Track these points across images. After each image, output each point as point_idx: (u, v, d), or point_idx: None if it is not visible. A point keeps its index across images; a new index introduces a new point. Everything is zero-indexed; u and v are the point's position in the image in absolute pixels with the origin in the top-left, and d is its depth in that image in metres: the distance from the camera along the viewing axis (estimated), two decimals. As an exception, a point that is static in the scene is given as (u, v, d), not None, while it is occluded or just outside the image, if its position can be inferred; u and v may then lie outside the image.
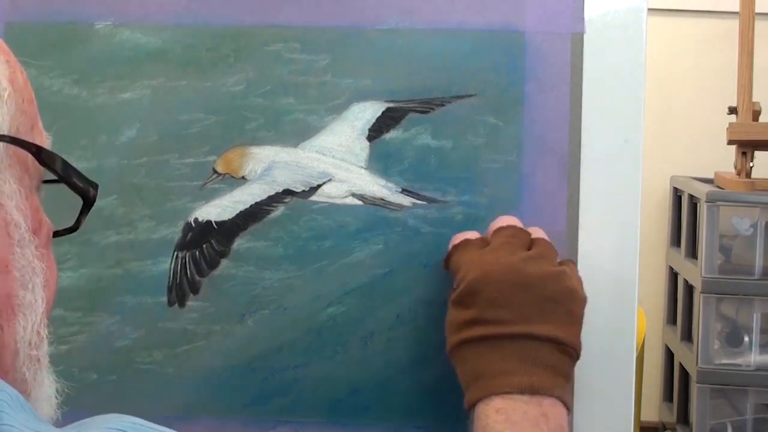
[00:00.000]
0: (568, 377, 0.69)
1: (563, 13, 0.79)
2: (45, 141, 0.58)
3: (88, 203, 0.57)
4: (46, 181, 0.57)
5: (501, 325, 0.68)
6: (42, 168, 0.55)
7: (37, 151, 0.54)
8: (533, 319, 0.67)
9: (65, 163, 0.56)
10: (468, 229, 0.78)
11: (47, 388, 0.57)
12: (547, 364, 0.67)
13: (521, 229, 0.73)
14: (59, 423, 0.57)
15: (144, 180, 0.80)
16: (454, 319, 0.70)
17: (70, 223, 0.58)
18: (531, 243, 0.72)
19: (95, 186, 0.57)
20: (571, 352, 0.69)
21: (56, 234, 0.59)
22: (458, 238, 0.74)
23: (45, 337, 0.57)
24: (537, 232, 0.74)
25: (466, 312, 0.69)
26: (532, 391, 0.66)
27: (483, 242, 0.73)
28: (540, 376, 0.66)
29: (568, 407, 0.68)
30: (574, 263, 0.74)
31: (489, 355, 0.68)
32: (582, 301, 0.71)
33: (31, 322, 0.54)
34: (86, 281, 0.80)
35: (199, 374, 0.80)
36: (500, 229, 0.73)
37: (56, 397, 0.58)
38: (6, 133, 0.52)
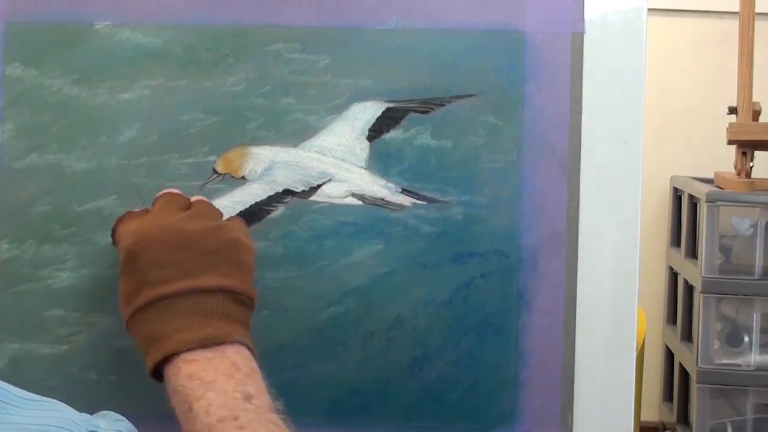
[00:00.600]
0: (245, 324, 0.69)
1: (563, 13, 0.79)
2: None
3: None
4: None
5: (166, 284, 0.67)
6: None
7: None
8: (198, 273, 0.67)
9: None
10: (468, 230, 0.78)
11: None
12: (220, 313, 0.67)
13: (178, 194, 0.74)
14: None
15: (144, 180, 0.80)
16: (123, 290, 0.69)
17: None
18: (190, 205, 0.73)
19: None
20: (244, 300, 0.69)
21: None
22: (120, 214, 0.74)
23: None
24: (197, 198, 0.75)
25: (131, 279, 0.69)
26: (210, 341, 0.65)
27: (144, 212, 0.73)
28: (216, 326, 0.66)
29: (253, 351, 0.67)
30: (241, 220, 0.75)
31: (161, 316, 0.67)
32: (248, 249, 0.71)
33: None
34: (86, 281, 0.80)
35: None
36: (158, 198, 0.74)
37: None
38: None
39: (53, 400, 0.52)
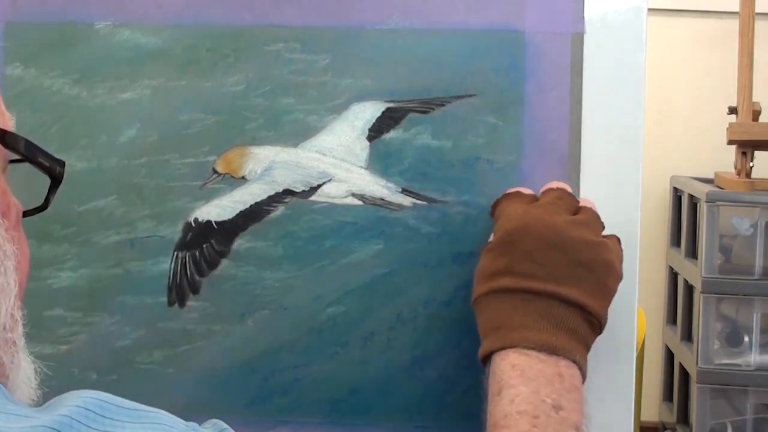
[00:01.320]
0: (587, 346, 0.68)
1: (563, 13, 0.78)
2: (9, 123, 0.58)
3: (55, 181, 0.58)
4: (12, 161, 0.57)
5: (531, 280, 0.67)
6: (7, 150, 0.55)
7: (1, 135, 0.54)
8: (563, 281, 0.67)
9: (29, 144, 0.56)
10: (468, 230, 0.78)
11: (24, 369, 0.57)
12: (569, 327, 0.67)
13: (570, 194, 0.73)
14: (39, 404, 0.57)
15: (144, 180, 0.80)
16: (486, 266, 0.70)
17: (40, 203, 0.58)
18: (578, 210, 0.72)
19: (62, 163, 0.57)
20: (594, 322, 0.68)
21: (26, 213, 0.59)
22: (512, 189, 0.74)
23: (19, 319, 0.56)
24: (586, 202, 0.73)
25: (499, 261, 0.69)
26: (550, 350, 0.65)
27: (533, 198, 0.73)
28: (560, 337, 0.66)
29: (584, 374, 0.67)
30: (618, 240, 0.73)
31: (513, 307, 0.67)
32: (617, 275, 0.70)
33: (5, 306, 0.54)
34: (86, 281, 0.80)
35: (199, 374, 0.80)
36: (550, 190, 0.73)
37: (35, 378, 0.58)
38: None
39: (157, 411, 0.52)
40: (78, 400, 0.48)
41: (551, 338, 0.66)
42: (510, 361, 0.66)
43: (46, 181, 0.57)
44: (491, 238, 0.72)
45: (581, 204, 0.73)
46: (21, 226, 0.58)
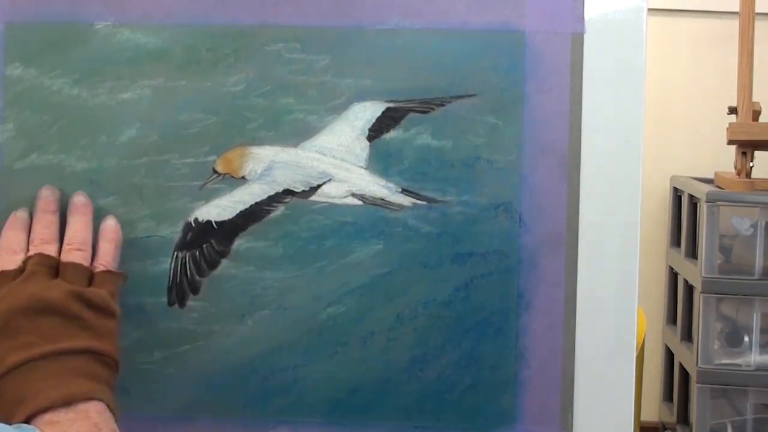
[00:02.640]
0: (110, 385, 0.71)
1: (563, 13, 0.79)
2: None
3: None
4: None
5: (33, 347, 0.69)
6: None
7: None
8: (63, 338, 0.69)
9: None
10: (468, 230, 0.78)
11: None
12: (85, 372, 0.69)
13: (47, 255, 0.74)
14: None
15: (144, 180, 0.80)
16: None
17: None
18: (58, 266, 0.73)
19: None
20: (109, 362, 0.71)
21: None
22: None
23: None
24: (69, 251, 0.74)
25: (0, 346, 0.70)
26: (74, 398, 0.67)
27: (17, 273, 0.73)
28: (80, 384, 0.68)
29: (114, 413, 0.69)
30: (113, 278, 0.75)
31: (27, 379, 0.68)
32: (113, 313, 0.73)
33: None
34: (86, 281, 0.80)
35: (199, 374, 0.80)
36: (28, 258, 0.74)
37: None
38: None
39: None
40: None
41: (72, 387, 0.67)
42: None
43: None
44: None
45: (62, 260, 0.74)
46: None
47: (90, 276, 0.74)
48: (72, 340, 0.69)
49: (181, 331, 0.80)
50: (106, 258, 0.76)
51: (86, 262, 0.75)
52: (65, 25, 0.81)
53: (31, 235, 0.76)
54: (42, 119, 0.80)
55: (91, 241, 0.76)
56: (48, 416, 0.66)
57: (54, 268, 0.74)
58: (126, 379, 0.80)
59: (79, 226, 0.76)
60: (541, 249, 0.78)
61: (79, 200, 0.78)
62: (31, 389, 0.67)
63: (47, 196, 0.78)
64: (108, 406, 0.69)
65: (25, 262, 0.74)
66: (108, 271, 0.75)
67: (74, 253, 0.75)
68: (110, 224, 0.78)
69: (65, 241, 0.75)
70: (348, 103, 0.80)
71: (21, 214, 0.77)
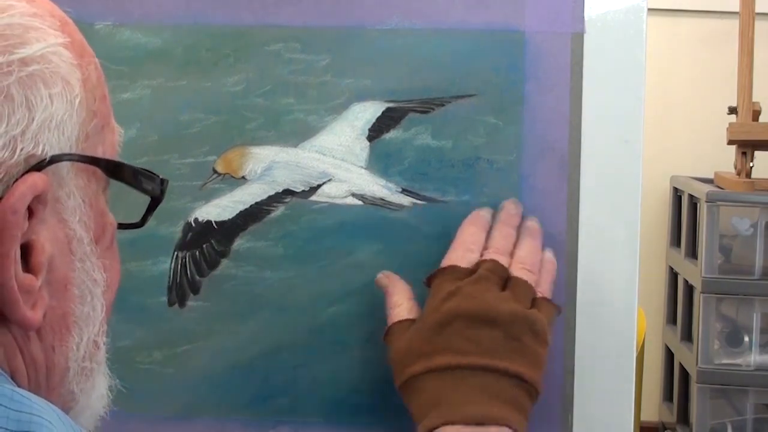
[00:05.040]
0: (526, 415, 0.70)
1: (563, 13, 0.78)
2: (116, 139, 0.57)
3: (155, 201, 0.57)
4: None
5: (468, 356, 0.69)
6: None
7: (104, 165, 0.53)
8: (498, 355, 0.69)
9: (131, 170, 0.55)
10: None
11: (98, 389, 0.57)
12: (508, 397, 0.68)
13: (502, 265, 0.73)
14: (105, 422, 0.56)
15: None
16: (418, 346, 0.70)
17: (136, 218, 0.58)
18: (508, 279, 0.73)
19: (165, 182, 0.57)
20: (532, 391, 0.70)
21: (120, 226, 0.58)
22: (447, 261, 0.74)
23: (102, 345, 0.56)
24: (518, 269, 0.73)
25: (434, 340, 0.70)
26: (489, 421, 0.66)
27: (467, 273, 0.72)
28: (501, 408, 0.67)
29: None
30: (549, 301, 0.74)
31: (454, 384, 0.68)
32: (545, 343, 0.71)
33: (87, 335, 0.53)
34: (86, 281, 0.80)
35: (199, 374, 0.80)
36: (483, 261, 0.73)
37: (108, 396, 0.58)
38: (74, 142, 0.51)
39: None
40: None
41: (492, 409, 0.67)
42: None
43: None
44: (420, 316, 0.72)
45: (513, 274, 0.73)
46: (115, 242, 0.58)
47: (533, 300, 0.73)
48: (507, 360, 0.69)
49: (181, 331, 0.80)
50: (546, 287, 0.75)
51: (534, 284, 0.73)
52: (65, 25, 0.81)
53: (489, 241, 0.75)
54: (42, 119, 0.80)
55: (538, 266, 0.75)
56: (455, 428, 0.66)
57: (503, 279, 0.73)
58: (126, 379, 0.80)
59: (532, 249, 0.75)
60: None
61: (534, 225, 0.77)
62: (453, 397, 0.68)
63: (512, 210, 0.77)
64: None
65: (477, 264, 0.73)
66: (548, 300, 0.74)
67: (526, 272, 0.73)
68: (550, 258, 0.76)
69: (517, 259, 0.74)
70: (348, 103, 0.80)
71: (485, 214, 0.77)
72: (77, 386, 0.54)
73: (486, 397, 0.67)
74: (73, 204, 0.51)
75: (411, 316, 0.73)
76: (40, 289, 0.49)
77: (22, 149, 0.47)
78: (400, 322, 0.73)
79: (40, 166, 0.48)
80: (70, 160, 0.51)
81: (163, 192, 0.57)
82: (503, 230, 0.75)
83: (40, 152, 0.48)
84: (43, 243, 0.49)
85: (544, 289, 0.74)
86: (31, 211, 0.48)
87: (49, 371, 0.51)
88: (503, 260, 0.73)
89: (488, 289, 0.71)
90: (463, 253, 0.74)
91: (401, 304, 0.74)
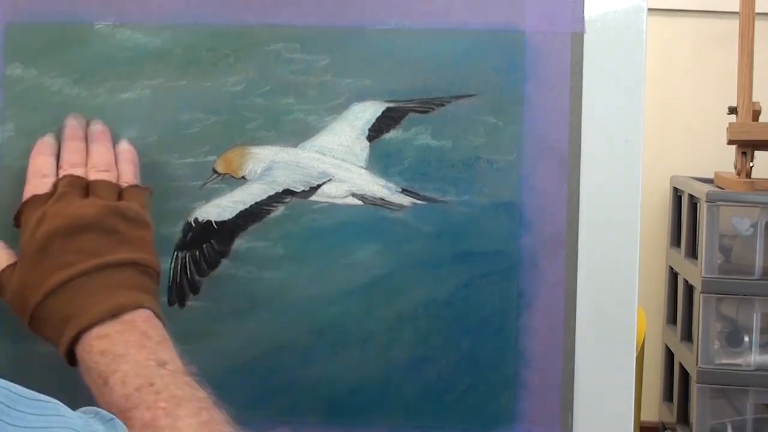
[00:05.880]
0: (154, 294, 0.72)
1: (563, 13, 0.79)
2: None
3: None
4: None
5: (75, 264, 0.69)
6: None
7: None
8: (103, 252, 0.70)
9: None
10: (468, 230, 0.78)
11: None
12: (130, 284, 0.69)
13: (78, 176, 0.75)
14: None
15: (144, 180, 0.80)
16: (26, 278, 0.71)
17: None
18: (89, 184, 0.75)
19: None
20: (150, 272, 0.72)
21: None
22: (26, 194, 0.75)
23: None
24: (96, 175, 0.75)
25: (39, 267, 0.70)
26: (121, 309, 0.67)
27: (48, 196, 0.74)
28: (125, 295, 0.68)
29: (162, 319, 0.70)
30: (141, 192, 0.76)
31: (73, 296, 0.68)
32: (147, 225, 0.74)
33: None
34: (86, 281, 0.80)
35: (199, 374, 0.80)
36: (59, 180, 0.75)
37: None
38: None
39: (54, 402, 0.52)
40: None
41: (119, 300, 0.68)
42: (96, 349, 0.66)
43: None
44: (20, 255, 0.73)
45: (90, 178, 0.75)
46: None
47: (119, 193, 0.75)
48: (112, 253, 0.70)
49: (180, 331, 0.80)
50: (129, 176, 0.77)
51: (114, 180, 0.76)
52: (65, 25, 0.81)
53: (60, 161, 0.77)
54: (42, 119, 0.80)
55: (114, 163, 0.77)
56: (96, 330, 0.67)
57: (84, 188, 0.75)
58: (126, 379, 0.80)
59: (101, 151, 0.77)
60: (542, 249, 0.78)
61: (98, 128, 0.79)
62: (78, 306, 0.68)
63: (73, 124, 0.78)
64: (154, 312, 0.69)
65: (55, 184, 0.75)
66: (135, 186, 0.76)
67: (101, 173, 0.76)
68: (126, 147, 0.79)
69: (90, 165, 0.76)
70: (348, 103, 0.80)
71: (48, 140, 0.78)
72: None
73: (107, 293, 0.68)
74: None
75: (11, 261, 0.73)
76: None
77: None
78: (3, 270, 0.73)
79: None
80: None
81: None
82: (70, 146, 0.77)
83: None
84: None
85: (127, 178, 0.76)
86: None
87: None
88: (79, 172, 0.75)
89: (71, 201, 0.73)
90: (38, 181, 0.75)
91: None
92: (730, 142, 2.07)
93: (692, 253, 2.17)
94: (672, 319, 2.36)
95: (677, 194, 2.35)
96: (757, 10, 2.07)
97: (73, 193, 0.74)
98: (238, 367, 0.80)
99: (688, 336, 2.22)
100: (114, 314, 0.67)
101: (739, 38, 2.07)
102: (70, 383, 0.80)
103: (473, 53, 0.79)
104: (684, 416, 2.23)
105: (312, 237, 0.80)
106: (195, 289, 0.80)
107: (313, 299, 0.79)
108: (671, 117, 2.46)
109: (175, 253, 0.80)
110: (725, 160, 2.16)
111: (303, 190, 0.80)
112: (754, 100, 2.05)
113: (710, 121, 2.29)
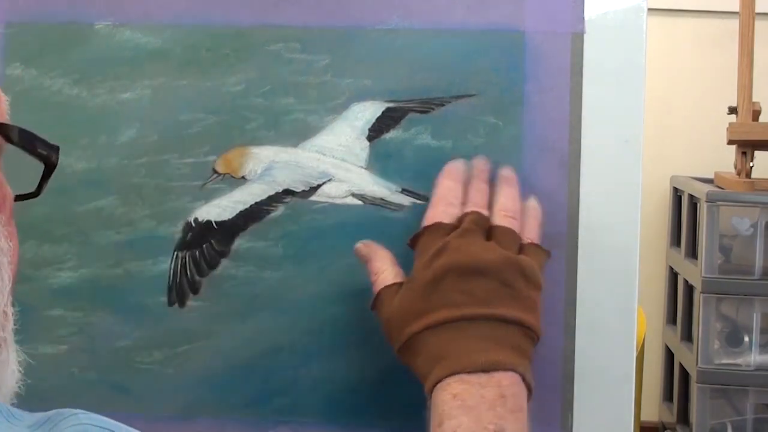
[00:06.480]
0: (530, 360, 0.69)
1: (563, 13, 0.79)
2: (4, 107, 0.56)
3: (49, 167, 0.56)
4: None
5: (464, 308, 0.68)
6: (1, 139, 0.54)
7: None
8: (493, 303, 0.68)
9: (23, 132, 0.54)
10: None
11: (11, 364, 0.56)
12: (510, 344, 0.68)
13: (485, 217, 0.73)
14: (22, 398, 0.56)
15: (144, 180, 0.80)
16: (413, 306, 0.70)
17: (32, 188, 0.57)
18: (491, 228, 0.73)
19: (56, 149, 0.56)
20: (533, 336, 0.70)
21: (17, 198, 0.57)
22: (430, 219, 0.74)
23: (11, 316, 0.56)
24: (500, 218, 0.73)
25: (429, 298, 0.69)
26: (493, 367, 0.66)
27: (451, 228, 0.72)
28: (504, 353, 0.67)
29: (530, 388, 0.68)
30: (538, 246, 0.74)
31: (455, 336, 0.68)
32: (538, 286, 0.71)
33: None
34: (86, 281, 0.80)
35: (199, 374, 0.80)
36: (466, 214, 0.73)
37: (18, 371, 0.57)
38: None
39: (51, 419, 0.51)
40: (79, 429, 0.47)
41: (495, 355, 0.67)
42: (450, 391, 0.66)
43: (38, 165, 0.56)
44: (410, 277, 0.72)
45: (495, 223, 0.73)
46: (12, 217, 0.57)
47: (520, 246, 0.73)
48: (503, 307, 0.68)
49: (181, 331, 0.80)
50: (533, 233, 0.74)
51: (518, 231, 0.73)
52: (65, 25, 0.81)
53: (466, 197, 0.75)
54: (42, 119, 0.80)
55: (520, 213, 0.75)
56: (460, 375, 0.66)
57: (486, 230, 0.73)
58: (126, 379, 0.80)
59: (512, 196, 0.75)
60: (541, 249, 0.78)
61: (509, 173, 0.76)
62: (455, 349, 0.67)
63: (482, 166, 0.77)
64: (523, 379, 0.67)
65: (461, 218, 0.73)
66: (536, 245, 0.74)
67: (508, 220, 0.73)
68: (534, 204, 0.76)
69: (498, 208, 0.74)
70: (348, 103, 0.80)
71: (459, 165, 0.76)
72: None
73: (487, 345, 0.67)
74: None
75: (397, 280, 0.73)
76: None
77: None
78: (387, 287, 0.73)
79: None
80: None
81: (56, 158, 0.56)
82: (477, 185, 0.75)
83: None
84: None
85: (531, 235, 0.74)
86: None
87: None
88: (484, 212, 0.73)
89: (475, 241, 0.71)
90: (444, 208, 0.74)
91: (385, 270, 0.74)
92: (730, 142, 2.07)
93: (692, 253, 2.17)
94: (672, 319, 2.36)
95: (677, 194, 2.35)
96: (757, 10, 2.07)
97: (478, 233, 0.72)
98: (238, 367, 0.80)
99: (688, 336, 2.22)
100: (485, 369, 0.66)
101: (739, 38, 2.07)
102: (70, 383, 0.80)
103: (473, 53, 0.79)
104: (684, 416, 2.23)
105: (312, 237, 0.80)
106: (195, 289, 0.80)
107: (313, 299, 0.79)
108: (671, 117, 2.46)
109: (175, 252, 0.80)
110: (725, 160, 2.16)
111: (303, 190, 0.80)
112: (754, 100, 2.05)
113: (710, 121, 2.29)
